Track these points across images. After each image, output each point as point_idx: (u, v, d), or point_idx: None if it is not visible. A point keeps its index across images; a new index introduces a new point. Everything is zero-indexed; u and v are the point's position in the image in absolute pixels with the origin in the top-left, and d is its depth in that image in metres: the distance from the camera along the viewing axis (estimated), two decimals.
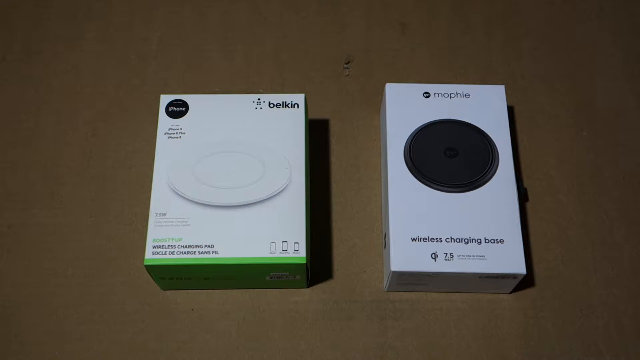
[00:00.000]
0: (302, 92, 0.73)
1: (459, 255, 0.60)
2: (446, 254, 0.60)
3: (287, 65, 0.77)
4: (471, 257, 0.60)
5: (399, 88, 0.68)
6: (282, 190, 0.62)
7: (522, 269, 0.60)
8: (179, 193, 0.62)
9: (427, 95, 0.68)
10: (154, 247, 0.60)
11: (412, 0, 0.81)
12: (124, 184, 0.70)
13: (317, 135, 0.73)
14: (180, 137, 0.65)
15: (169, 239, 0.60)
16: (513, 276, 0.61)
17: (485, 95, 0.68)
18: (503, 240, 0.61)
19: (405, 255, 0.60)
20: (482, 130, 0.66)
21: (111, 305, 0.65)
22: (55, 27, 0.79)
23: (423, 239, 0.61)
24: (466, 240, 0.61)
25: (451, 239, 0.61)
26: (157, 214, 0.61)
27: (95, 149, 0.72)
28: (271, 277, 0.62)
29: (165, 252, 0.59)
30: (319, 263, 0.67)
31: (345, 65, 0.77)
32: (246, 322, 0.64)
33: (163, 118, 0.66)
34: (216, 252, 0.59)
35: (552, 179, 0.71)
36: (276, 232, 0.60)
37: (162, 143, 0.64)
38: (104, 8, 0.81)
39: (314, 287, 0.66)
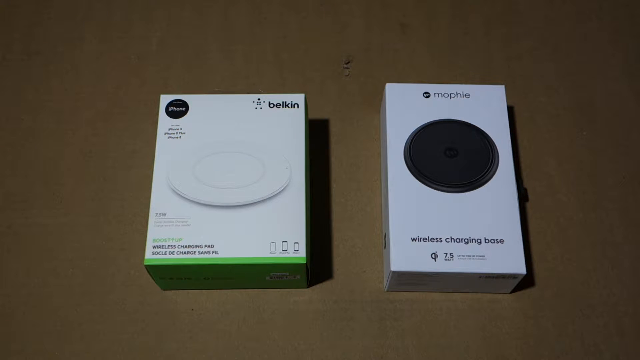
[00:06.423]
0: (302, 92, 0.73)
1: (459, 255, 0.60)
2: (446, 254, 0.60)
3: (287, 65, 0.77)
4: (471, 257, 0.60)
5: (399, 88, 0.68)
6: (282, 190, 0.62)
7: (522, 269, 0.60)
8: (179, 193, 0.62)
9: (427, 95, 0.68)
10: (154, 247, 0.60)
11: (412, 0, 0.81)
12: (124, 184, 0.70)
13: (317, 135, 0.73)
14: (180, 137, 0.65)
15: (169, 239, 0.60)
16: (513, 276, 0.61)
17: (485, 95, 0.68)
18: (503, 240, 0.61)
19: (405, 255, 0.60)
20: (482, 130, 0.66)
21: (111, 305, 0.65)
22: (55, 27, 0.79)
23: (423, 239, 0.61)
24: (466, 240, 0.61)
25: (451, 239, 0.61)
26: (157, 214, 0.61)
27: (95, 149, 0.72)
28: (271, 277, 0.62)
29: (165, 252, 0.59)
30: (319, 263, 0.67)
31: (345, 65, 0.77)
32: (246, 322, 0.64)
33: (163, 118, 0.66)
34: (216, 252, 0.59)
35: (552, 179, 0.71)
36: (276, 232, 0.60)
37: (162, 143, 0.64)
38: (104, 8, 0.81)
39: (314, 287, 0.66)
